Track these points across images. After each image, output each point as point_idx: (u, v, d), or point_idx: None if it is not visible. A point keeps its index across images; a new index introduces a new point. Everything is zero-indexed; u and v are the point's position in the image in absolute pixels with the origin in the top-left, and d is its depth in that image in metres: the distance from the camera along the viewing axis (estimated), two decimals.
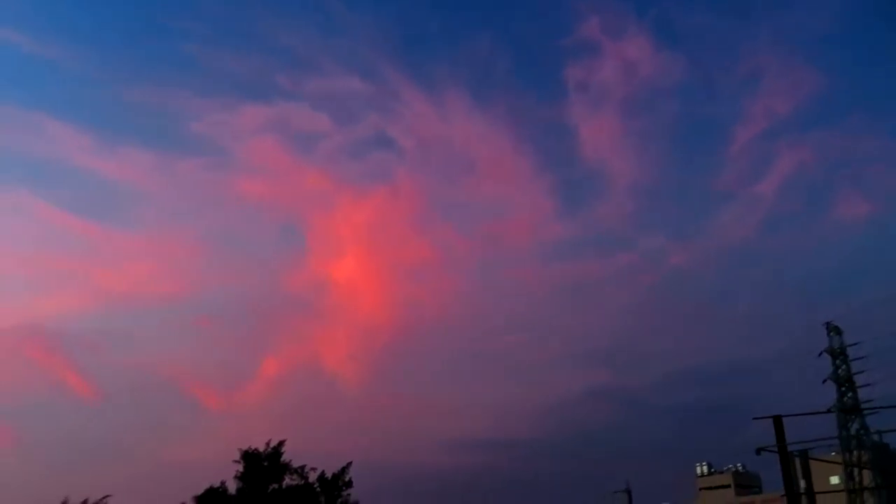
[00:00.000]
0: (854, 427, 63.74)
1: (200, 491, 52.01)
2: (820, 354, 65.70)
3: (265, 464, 52.24)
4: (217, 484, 52.05)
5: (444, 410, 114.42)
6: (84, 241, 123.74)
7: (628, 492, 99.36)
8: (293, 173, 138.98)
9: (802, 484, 56.38)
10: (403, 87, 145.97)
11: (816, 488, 57.00)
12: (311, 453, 57.93)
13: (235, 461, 52.33)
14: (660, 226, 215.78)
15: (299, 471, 52.82)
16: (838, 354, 65.15)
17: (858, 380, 63.82)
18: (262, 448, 52.95)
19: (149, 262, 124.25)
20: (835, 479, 72.41)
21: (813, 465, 59.05)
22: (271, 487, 51.72)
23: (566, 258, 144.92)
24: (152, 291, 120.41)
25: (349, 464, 53.99)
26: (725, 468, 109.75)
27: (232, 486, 51.87)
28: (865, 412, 62.54)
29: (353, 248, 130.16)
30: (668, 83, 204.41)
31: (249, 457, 52.51)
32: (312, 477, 52.85)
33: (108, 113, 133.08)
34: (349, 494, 53.09)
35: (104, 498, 52.86)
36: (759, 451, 44.84)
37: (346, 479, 53.30)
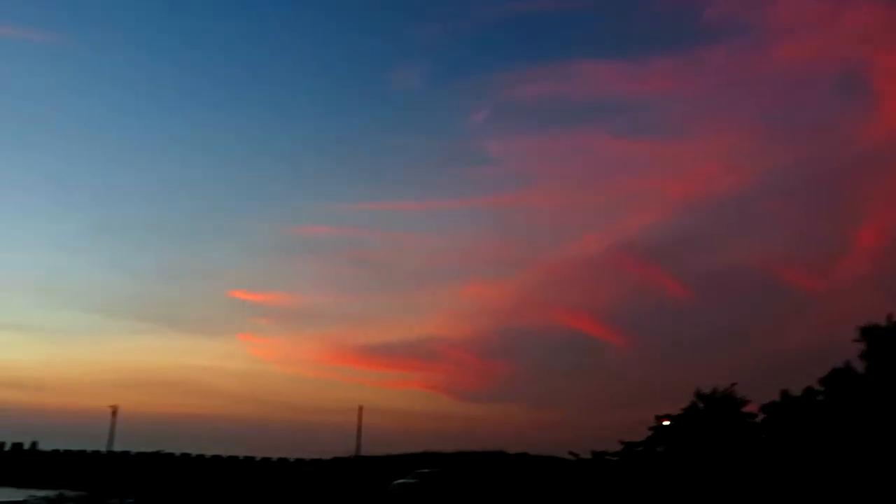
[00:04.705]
0: None
1: (822, 374, 49.89)
2: None
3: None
4: (840, 365, 49.06)
5: None
6: (645, 160, 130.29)
7: None
8: (834, 15, 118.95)
9: None
10: None
11: None
12: None
13: (855, 340, 48.25)
14: None
15: None
16: None
17: None
18: (882, 323, 47.69)
19: (706, 162, 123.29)
20: None
21: None
22: None
23: None
24: (717, 190, 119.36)
25: None
26: None
27: (859, 366, 48.12)
28: None
29: None
30: None
31: (870, 332, 47.77)
32: None
33: (628, 35, 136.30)
34: None
35: (732, 385, 55.07)
36: None
37: None
